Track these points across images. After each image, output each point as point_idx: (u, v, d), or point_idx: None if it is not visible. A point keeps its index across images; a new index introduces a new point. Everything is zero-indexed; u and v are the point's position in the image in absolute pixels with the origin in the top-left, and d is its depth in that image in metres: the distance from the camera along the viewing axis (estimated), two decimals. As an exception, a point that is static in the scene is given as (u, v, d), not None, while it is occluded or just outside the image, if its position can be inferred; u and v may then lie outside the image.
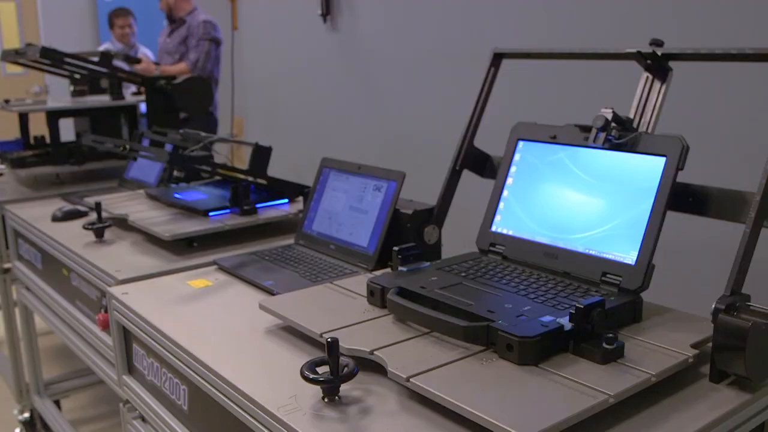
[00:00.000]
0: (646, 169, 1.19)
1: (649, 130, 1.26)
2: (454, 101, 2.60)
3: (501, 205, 1.41)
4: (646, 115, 1.27)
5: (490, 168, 1.55)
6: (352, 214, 1.62)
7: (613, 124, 1.23)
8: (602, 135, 1.23)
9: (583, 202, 1.28)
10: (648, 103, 1.27)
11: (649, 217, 1.16)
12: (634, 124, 1.27)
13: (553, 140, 1.34)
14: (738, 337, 0.95)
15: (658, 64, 1.25)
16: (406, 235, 1.53)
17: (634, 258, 1.15)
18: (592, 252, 1.22)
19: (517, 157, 1.41)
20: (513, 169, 1.41)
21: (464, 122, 1.52)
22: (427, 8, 2.66)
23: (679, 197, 1.19)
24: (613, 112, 1.22)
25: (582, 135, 1.29)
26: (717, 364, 0.99)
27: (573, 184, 1.30)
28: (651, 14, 1.91)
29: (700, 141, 1.56)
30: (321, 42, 3.22)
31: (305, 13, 3.26)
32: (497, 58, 1.51)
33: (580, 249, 1.24)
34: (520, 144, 1.41)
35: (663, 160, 1.16)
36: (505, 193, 1.41)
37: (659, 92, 1.26)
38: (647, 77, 1.28)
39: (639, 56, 1.25)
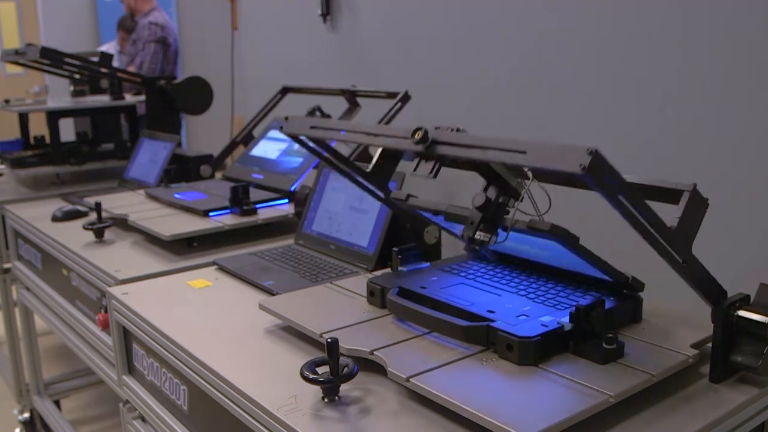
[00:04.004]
0: (550, 243, 1.07)
1: (513, 186, 1.10)
2: (454, 101, 2.59)
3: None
4: (493, 183, 1.11)
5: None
6: (352, 214, 1.62)
7: (479, 229, 1.08)
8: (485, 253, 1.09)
9: (529, 248, 1.21)
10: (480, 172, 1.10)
11: (589, 264, 1.10)
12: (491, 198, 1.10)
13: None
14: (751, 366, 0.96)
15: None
16: (406, 235, 1.53)
17: (613, 278, 1.15)
18: (579, 269, 1.21)
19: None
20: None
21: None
22: (426, 8, 2.66)
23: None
24: (473, 239, 1.07)
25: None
26: (731, 354, 0.99)
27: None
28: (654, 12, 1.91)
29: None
30: (321, 42, 3.22)
31: (305, 13, 3.26)
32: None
33: (565, 266, 1.23)
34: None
35: (557, 241, 1.04)
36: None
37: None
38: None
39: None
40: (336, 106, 2.45)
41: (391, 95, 2.24)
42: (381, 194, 1.32)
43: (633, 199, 0.86)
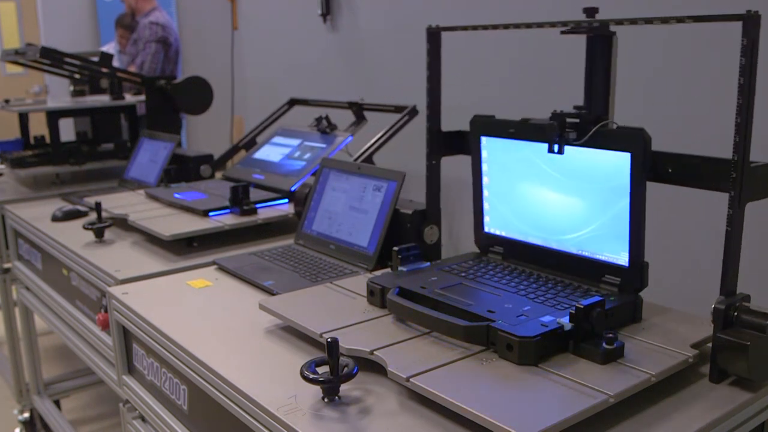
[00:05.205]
0: (614, 166, 1.14)
1: (610, 112, 1.21)
2: (454, 100, 2.59)
3: (486, 205, 1.39)
4: (597, 94, 1.22)
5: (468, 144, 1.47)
6: (352, 214, 1.62)
7: (569, 122, 1.19)
8: (558, 141, 1.18)
9: (562, 201, 1.24)
10: (596, 81, 1.22)
11: (630, 215, 1.13)
12: (588, 107, 1.22)
13: (513, 136, 1.29)
14: (740, 343, 0.95)
15: (597, 34, 1.20)
16: (406, 235, 1.53)
17: (627, 259, 1.15)
18: (586, 253, 1.21)
19: (485, 154, 1.36)
20: (485, 167, 1.37)
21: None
22: (426, 8, 2.66)
23: (658, 168, 1.14)
24: (562, 114, 1.18)
25: (540, 130, 1.22)
26: (719, 363, 0.99)
27: (546, 182, 1.26)
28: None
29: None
30: (321, 42, 3.22)
31: (305, 13, 3.26)
32: (432, 36, 1.45)
33: (573, 250, 1.23)
34: (484, 140, 1.36)
35: (628, 155, 1.12)
36: (486, 193, 1.38)
37: (606, 66, 1.21)
38: (591, 51, 1.22)
39: (578, 27, 1.20)
40: (342, 117, 2.45)
41: (399, 109, 2.24)
42: (432, 156, 1.47)
43: (753, 73, 0.97)
